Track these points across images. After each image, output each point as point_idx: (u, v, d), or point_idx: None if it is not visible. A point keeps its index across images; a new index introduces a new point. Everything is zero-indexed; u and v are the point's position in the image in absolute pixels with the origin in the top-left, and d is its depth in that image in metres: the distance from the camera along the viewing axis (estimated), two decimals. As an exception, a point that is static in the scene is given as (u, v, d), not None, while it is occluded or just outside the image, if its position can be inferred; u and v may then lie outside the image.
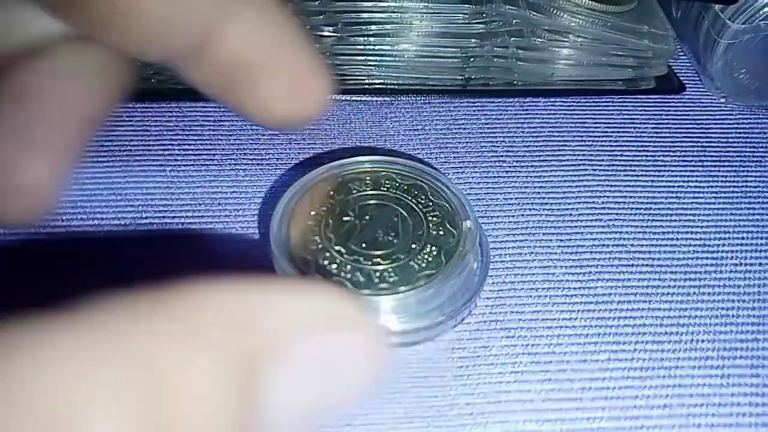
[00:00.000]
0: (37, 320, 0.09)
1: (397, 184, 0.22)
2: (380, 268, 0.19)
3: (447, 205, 0.21)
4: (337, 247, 0.20)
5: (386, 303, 0.19)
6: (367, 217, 0.21)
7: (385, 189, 0.22)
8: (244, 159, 0.26)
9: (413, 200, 0.21)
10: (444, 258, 0.20)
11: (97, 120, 0.19)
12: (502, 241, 0.23)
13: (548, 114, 0.28)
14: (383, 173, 0.22)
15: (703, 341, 0.21)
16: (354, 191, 0.21)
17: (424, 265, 0.19)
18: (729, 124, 0.28)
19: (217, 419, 0.09)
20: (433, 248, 0.20)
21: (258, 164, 0.26)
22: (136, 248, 0.23)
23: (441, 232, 0.20)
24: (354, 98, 0.28)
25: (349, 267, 0.19)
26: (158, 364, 0.09)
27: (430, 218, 0.21)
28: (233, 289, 0.10)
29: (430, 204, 0.21)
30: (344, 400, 0.12)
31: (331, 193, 0.21)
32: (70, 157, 0.18)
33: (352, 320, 0.11)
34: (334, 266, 0.19)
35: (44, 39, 0.17)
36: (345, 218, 0.21)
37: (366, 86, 0.28)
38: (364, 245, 0.20)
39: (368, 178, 0.22)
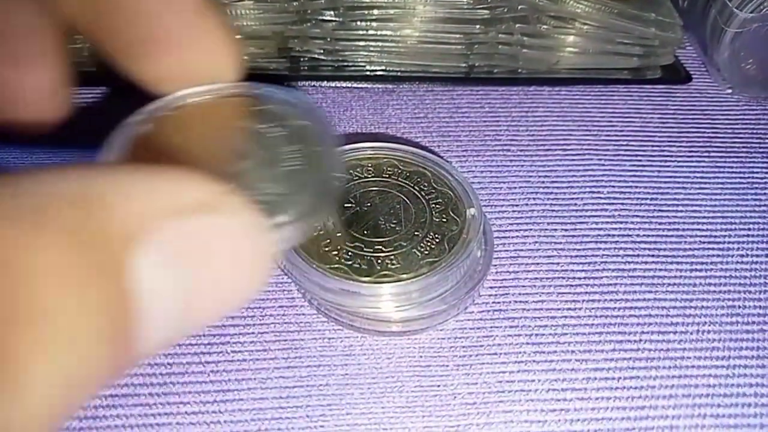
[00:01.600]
0: None
1: (399, 171, 0.21)
2: (382, 255, 0.19)
3: (450, 193, 0.21)
4: (338, 234, 0.19)
5: (388, 290, 0.18)
6: (369, 204, 0.20)
7: (387, 176, 0.21)
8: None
9: (416, 187, 0.21)
10: (447, 245, 0.19)
11: (68, 27, 0.17)
12: (506, 230, 0.23)
13: (553, 103, 0.28)
14: (385, 160, 0.22)
15: (708, 332, 0.20)
16: (355, 178, 0.21)
17: (426, 252, 0.19)
18: (735, 115, 0.28)
19: (78, 303, 0.08)
20: (436, 236, 0.20)
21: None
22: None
23: (444, 220, 0.20)
24: (355, 85, 0.28)
25: (350, 254, 0.19)
26: (2, 245, 0.08)
27: (433, 205, 0.20)
28: (90, 174, 0.09)
29: (433, 191, 0.21)
30: (226, 292, 0.11)
31: None
32: (59, 63, 0.17)
33: (223, 204, 0.10)
34: (335, 253, 0.19)
35: None
36: (346, 205, 0.20)
37: (367, 73, 0.28)
38: (366, 232, 0.20)
39: (370, 164, 0.22)
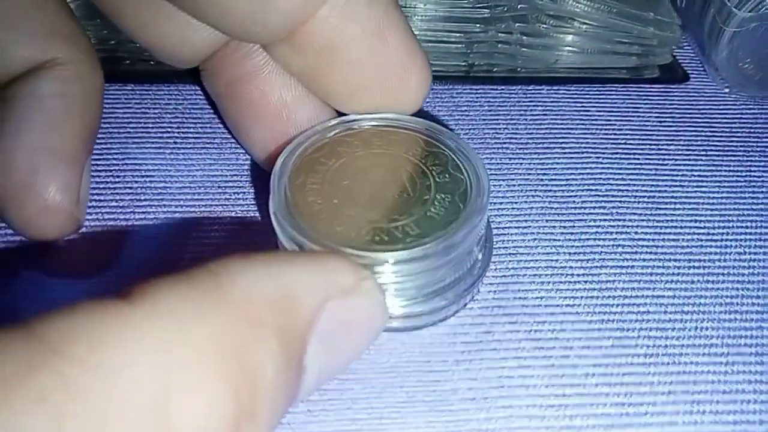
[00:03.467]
0: (101, 312, 0.10)
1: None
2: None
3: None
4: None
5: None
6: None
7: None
8: (245, 143, 0.25)
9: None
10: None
11: (93, 131, 0.20)
12: (506, 228, 0.23)
13: (552, 102, 0.28)
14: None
15: (707, 329, 0.20)
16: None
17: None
18: (733, 114, 0.28)
19: (275, 392, 0.11)
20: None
21: (258, 148, 0.25)
22: (134, 231, 0.22)
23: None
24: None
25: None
26: (225, 352, 0.10)
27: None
28: (265, 268, 0.11)
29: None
30: (355, 355, 0.14)
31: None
32: (79, 168, 0.19)
33: (363, 288, 0.12)
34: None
35: (28, 64, 0.18)
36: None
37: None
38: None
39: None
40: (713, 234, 0.23)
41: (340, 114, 0.21)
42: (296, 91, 0.21)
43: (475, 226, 0.19)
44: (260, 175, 0.24)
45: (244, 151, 0.25)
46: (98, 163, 0.24)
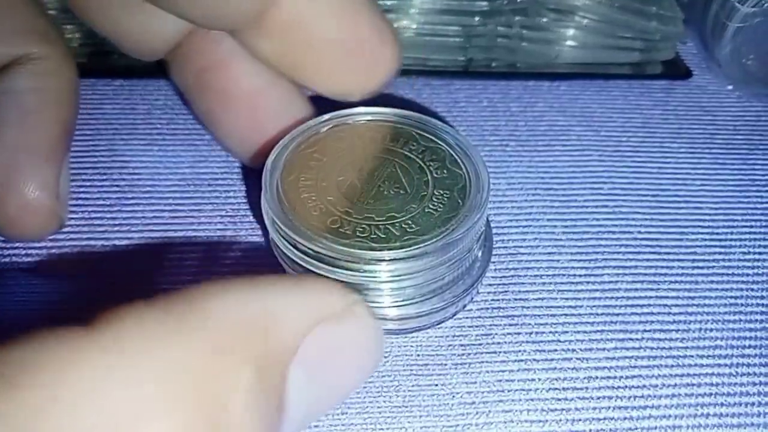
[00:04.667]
0: (59, 341, 0.09)
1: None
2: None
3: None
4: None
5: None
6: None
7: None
8: (236, 138, 0.25)
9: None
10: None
11: (70, 126, 0.19)
12: (506, 227, 0.22)
13: (553, 98, 0.27)
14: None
15: (711, 330, 0.20)
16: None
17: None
18: (736, 111, 0.27)
19: (246, 426, 0.10)
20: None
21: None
22: (121, 230, 0.22)
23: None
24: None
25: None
26: (190, 382, 0.09)
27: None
28: (244, 293, 0.11)
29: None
30: (348, 389, 0.12)
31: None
32: (58, 164, 0.18)
33: (354, 314, 0.11)
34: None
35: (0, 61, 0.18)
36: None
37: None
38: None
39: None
40: (717, 233, 0.23)
41: (325, 105, 0.21)
42: (267, 76, 0.20)
43: (474, 222, 0.18)
44: (251, 172, 0.23)
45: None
46: (84, 160, 0.23)
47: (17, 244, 0.21)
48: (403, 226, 0.18)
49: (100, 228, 0.21)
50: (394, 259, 0.17)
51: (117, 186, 0.23)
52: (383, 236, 0.18)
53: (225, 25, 0.18)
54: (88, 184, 0.23)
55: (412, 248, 0.17)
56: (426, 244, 0.17)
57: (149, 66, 0.26)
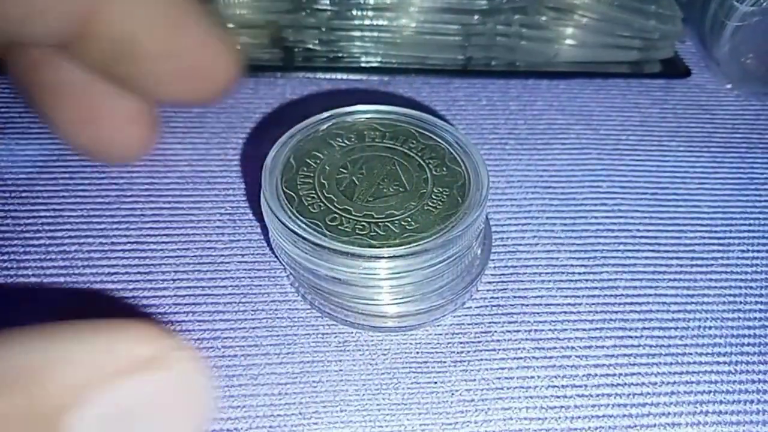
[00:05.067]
0: None
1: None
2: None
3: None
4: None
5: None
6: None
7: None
8: (234, 137, 0.25)
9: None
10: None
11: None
12: (505, 225, 0.22)
13: (552, 96, 0.27)
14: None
15: (710, 328, 0.20)
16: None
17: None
18: (735, 110, 0.28)
19: None
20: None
21: (250, 143, 0.25)
22: (120, 226, 0.22)
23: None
24: (349, 77, 0.27)
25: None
26: None
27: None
28: (29, 342, 0.10)
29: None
30: None
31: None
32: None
33: (165, 359, 0.10)
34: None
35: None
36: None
37: (363, 65, 0.27)
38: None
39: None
40: (716, 231, 0.23)
41: (322, 103, 0.21)
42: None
43: (474, 220, 0.18)
44: (250, 169, 0.23)
45: (233, 146, 0.24)
46: (82, 157, 0.23)
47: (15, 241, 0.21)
48: (403, 223, 0.18)
49: (99, 226, 0.21)
50: (393, 257, 0.17)
51: (116, 184, 0.23)
52: (382, 233, 0.18)
53: (43, 41, 0.17)
54: (86, 182, 0.23)
55: (411, 245, 0.17)
56: (425, 241, 0.17)
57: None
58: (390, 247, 0.17)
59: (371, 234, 0.18)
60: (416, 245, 0.17)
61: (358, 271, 0.17)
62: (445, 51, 0.27)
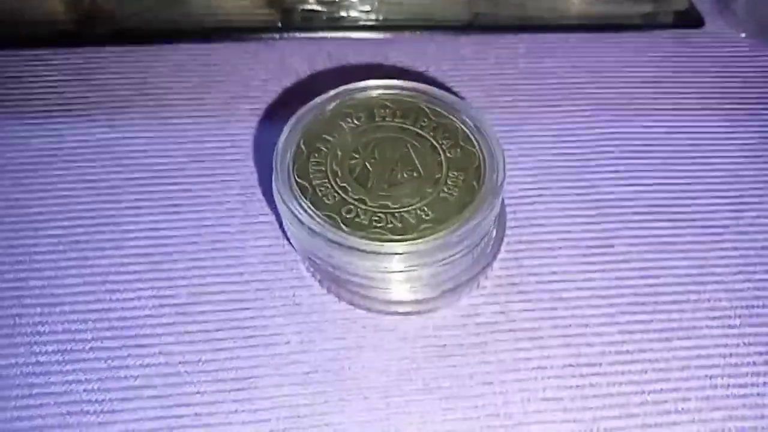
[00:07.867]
0: None
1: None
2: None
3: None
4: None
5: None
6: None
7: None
8: (237, 108, 0.24)
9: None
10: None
11: None
12: (516, 197, 0.22)
13: (562, 53, 0.26)
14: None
15: (721, 299, 0.20)
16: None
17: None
18: (749, 63, 0.27)
19: None
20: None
21: (254, 113, 0.24)
22: (130, 212, 0.21)
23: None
24: (352, 36, 0.26)
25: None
26: None
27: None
28: None
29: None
30: None
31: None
32: None
33: None
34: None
35: None
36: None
37: (365, 22, 0.26)
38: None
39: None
40: (728, 196, 0.22)
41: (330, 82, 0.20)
42: None
43: (491, 209, 0.18)
44: (258, 143, 0.23)
45: (237, 118, 0.24)
46: (83, 136, 0.23)
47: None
48: (419, 212, 0.18)
49: (108, 212, 0.21)
50: (410, 252, 0.17)
51: (121, 165, 0.22)
52: (399, 226, 0.17)
53: None
54: (89, 163, 0.22)
55: (428, 240, 0.17)
56: (442, 235, 0.17)
57: (144, 30, 0.25)
58: (407, 242, 0.17)
59: (388, 226, 0.17)
60: (433, 239, 0.17)
61: (375, 264, 0.17)
62: (449, 7, 0.26)
